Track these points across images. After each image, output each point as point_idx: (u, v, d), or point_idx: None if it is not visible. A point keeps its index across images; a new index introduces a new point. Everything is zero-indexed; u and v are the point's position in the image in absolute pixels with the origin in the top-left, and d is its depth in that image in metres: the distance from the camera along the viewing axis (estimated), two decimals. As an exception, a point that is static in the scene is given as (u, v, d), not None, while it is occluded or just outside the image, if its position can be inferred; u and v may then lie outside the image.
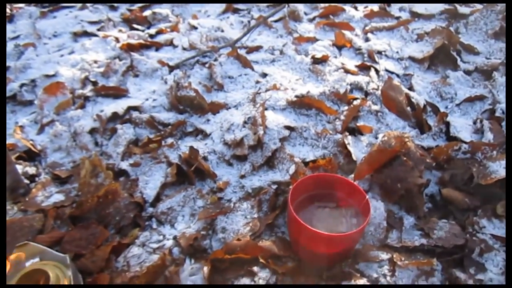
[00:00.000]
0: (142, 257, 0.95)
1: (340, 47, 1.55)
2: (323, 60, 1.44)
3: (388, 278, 0.91)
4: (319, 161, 1.08)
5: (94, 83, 1.39)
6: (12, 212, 1.06)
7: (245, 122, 1.16)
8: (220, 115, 1.23)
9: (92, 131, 1.23)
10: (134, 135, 1.19)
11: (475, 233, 0.98)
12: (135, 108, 1.27)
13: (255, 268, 0.93)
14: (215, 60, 1.45)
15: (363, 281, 0.90)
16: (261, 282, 0.91)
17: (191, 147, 1.08)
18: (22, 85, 1.41)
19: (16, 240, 0.99)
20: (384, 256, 0.94)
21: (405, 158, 1.05)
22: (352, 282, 0.90)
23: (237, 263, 0.95)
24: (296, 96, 1.25)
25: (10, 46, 1.60)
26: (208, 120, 1.23)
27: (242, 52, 1.49)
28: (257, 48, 1.53)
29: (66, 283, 0.90)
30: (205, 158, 1.12)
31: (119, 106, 1.25)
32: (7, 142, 1.20)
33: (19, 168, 1.13)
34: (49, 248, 0.94)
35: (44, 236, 0.98)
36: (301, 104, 1.24)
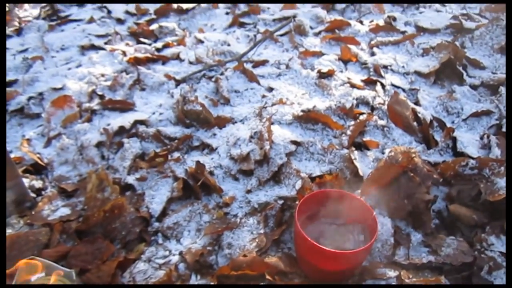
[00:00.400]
0: (148, 273, 0.94)
1: (346, 62, 1.56)
2: (329, 75, 1.44)
3: (395, 296, 0.90)
4: (325, 177, 1.08)
5: (101, 97, 1.40)
6: (18, 226, 1.06)
7: (251, 137, 1.17)
8: (227, 129, 1.23)
9: (99, 145, 1.23)
10: (141, 149, 1.20)
11: (484, 250, 0.97)
12: (142, 122, 1.27)
13: (262, 285, 0.92)
14: (222, 74, 1.45)
15: (370, 299, 0.89)
16: (268, 299, 0.90)
17: (198, 162, 1.08)
18: (29, 98, 1.42)
19: (22, 255, 0.99)
20: (392, 273, 0.93)
21: (412, 174, 1.04)
22: (359, 300, 0.89)
23: (243, 279, 0.94)
24: (302, 111, 1.25)
25: (18, 59, 1.62)
26: (215, 134, 1.23)
27: (248, 66, 1.50)
28: (263, 62, 1.53)
29: (71, 298, 0.89)
30: (211, 173, 1.12)
31: (125, 120, 1.26)
32: (13, 156, 1.21)
33: (26, 181, 1.13)
34: (55, 263, 0.94)
35: (50, 251, 0.98)
36: (307, 118, 1.24)
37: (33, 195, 1.13)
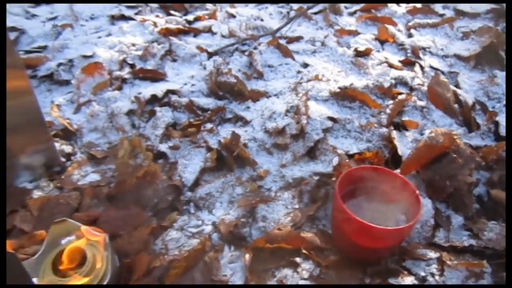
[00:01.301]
0: (180, 241, 0.92)
1: (382, 42, 1.51)
2: (365, 54, 1.40)
3: (436, 277, 0.87)
4: (365, 154, 1.04)
5: (132, 66, 1.38)
6: (48, 189, 1.05)
7: (287, 111, 1.13)
8: (261, 103, 1.20)
9: (129, 113, 1.21)
10: (173, 119, 1.17)
11: (528, 237, 0.93)
12: (174, 92, 1.24)
13: (298, 259, 0.90)
14: (255, 48, 1.42)
15: (410, 279, 0.86)
16: (304, 273, 0.87)
17: (234, 132, 1.05)
18: (59, 65, 1.40)
19: (53, 217, 0.97)
20: (432, 254, 0.90)
21: (455, 155, 1.00)
22: (399, 279, 0.86)
23: (278, 253, 0.91)
24: (339, 88, 1.21)
25: (48, 26, 1.60)
26: (248, 107, 1.20)
27: (282, 42, 1.46)
28: (298, 39, 1.49)
29: (102, 263, 0.87)
30: (245, 145, 1.09)
31: (157, 89, 1.23)
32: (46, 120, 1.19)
33: (56, 146, 1.12)
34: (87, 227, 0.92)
35: (80, 214, 0.96)
36: (344, 96, 1.20)
37: (62, 159, 1.11)
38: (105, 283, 0.83)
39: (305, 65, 1.35)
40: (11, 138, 1.00)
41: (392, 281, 0.86)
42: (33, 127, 1.00)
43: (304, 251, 0.91)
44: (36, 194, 1.02)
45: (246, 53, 1.39)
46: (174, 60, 1.40)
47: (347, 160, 1.05)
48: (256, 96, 1.22)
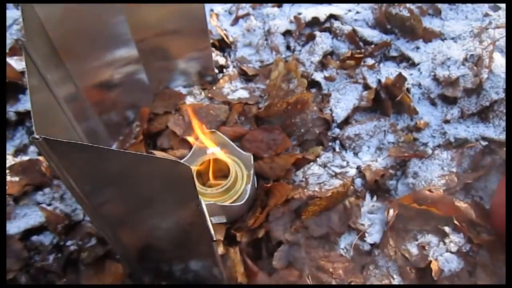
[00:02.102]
0: (322, 178, 0.88)
1: None
2: None
3: None
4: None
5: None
6: (200, 97, 1.07)
7: (465, 60, 0.97)
8: (434, 45, 1.05)
9: (286, 33, 1.15)
10: (331, 47, 1.08)
11: None
12: (336, 18, 1.14)
13: (447, 229, 0.81)
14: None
15: None
16: (452, 246, 0.79)
17: (400, 74, 0.93)
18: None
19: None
20: None
21: None
22: None
23: (424, 216, 0.83)
24: (536, 42, 1.00)
25: None
26: (418, 47, 1.05)
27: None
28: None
29: (243, 181, 0.88)
30: (407, 90, 0.98)
31: (320, 11, 1.14)
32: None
33: (211, 55, 1.12)
34: (232, 143, 0.92)
35: (227, 129, 0.96)
36: (541, 52, 0.99)
37: (215, 70, 1.11)
38: (243, 201, 0.84)
39: (496, 8, 1.13)
40: (173, 41, 1.01)
41: None
42: (195, 33, 0.99)
43: (455, 221, 0.81)
44: (189, 100, 1.05)
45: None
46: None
47: (529, 131, 0.88)
48: (429, 36, 1.06)
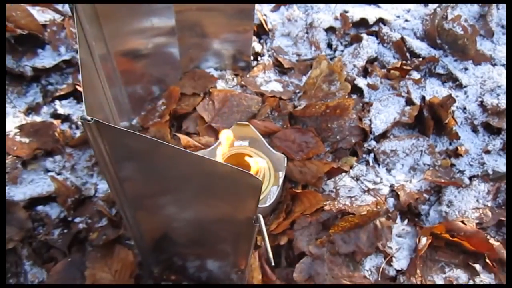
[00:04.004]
0: (353, 192, 0.83)
1: None
2: None
3: None
4: None
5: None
6: (232, 84, 1.00)
7: (517, 90, 0.93)
8: (483, 68, 1.00)
9: (330, 30, 1.09)
10: (376, 53, 1.03)
11: None
12: (384, 23, 1.08)
13: (477, 266, 0.77)
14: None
15: None
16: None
17: (450, 96, 0.88)
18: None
19: (232, 115, 0.93)
20: None
21: None
22: None
23: (455, 249, 0.79)
24: None
25: None
26: (466, 69, 1.00)
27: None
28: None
29: (271, 181, 0.83)
30: (451, 113, 0.93)
31: (368, 13, 1.08)
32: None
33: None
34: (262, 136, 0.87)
35: (259, 123, 0.91)
36: None
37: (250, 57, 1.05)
38: (268, 203, 0.79)
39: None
40: (214, 18, 0.95)
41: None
42: (240, 13, 0.93)
43: (487, 259, 0.77)
44: (220, 85, 0.98)
45: (480, 3, 1.15)
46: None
47: None
48: (479, 59, 1.01)
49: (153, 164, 0.48)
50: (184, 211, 0.57)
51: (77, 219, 0.78)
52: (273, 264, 0.44)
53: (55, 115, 0.94)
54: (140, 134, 0.42)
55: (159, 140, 0.42)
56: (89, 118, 0.40)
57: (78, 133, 0.91)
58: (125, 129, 0.42)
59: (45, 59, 1.00)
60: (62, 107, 0.95)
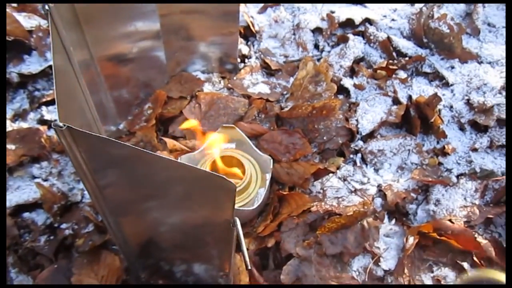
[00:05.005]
0: (341, 192, 0.83)
1: None
2: None
3: None
4: None
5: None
6: (218, 86, 1.00)
7: (502, 88, 0.93)
8: (470, 67, 1.00)
9: (316, 30, 1.09)
10: (363, 53, 1.03)
11: None
12: (371, 22, 1.08)
13: (465, 265, 0.77)
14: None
15: None
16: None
17: (436, 94, 0.89)
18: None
19: (218, 118, 0.93)
20: None
21: None
22: None
23: (444, 248, 0.79)
24: None
25: None
26: (453, 67, 1.01)
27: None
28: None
29: (258, 183, 0.82)
30: (437, 111, 0.93)
31: (354, 13, 1.08)
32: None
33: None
34: (250, 140, 0.87)
35: (245, 125, 0.91)
36: None
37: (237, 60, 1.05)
38: (255, 206, 0.79)
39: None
40: (199, 21, 0.95)
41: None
42: (225, 16, 0.93)
43: (475, 258, 0.77)
44: (207, 88, 0.98)
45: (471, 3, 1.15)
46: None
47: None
48: (466, 57, 1.01)
49: (132, 170, 0.47)
50: (167, 217, 0.57)
51: (64, 225, 0.78)
52: (249, 268, 0.44)
53: (42, 121, 0.94)
54: (116, 140, 0.41)
55: (136, 147, 0.42)
56: (61, 124, 0.40)
57: (64, 139, 0.91)
58: (101, 135, 0.41)
59: (32, 65, 1.00)
60: (48, 113, 0.95)
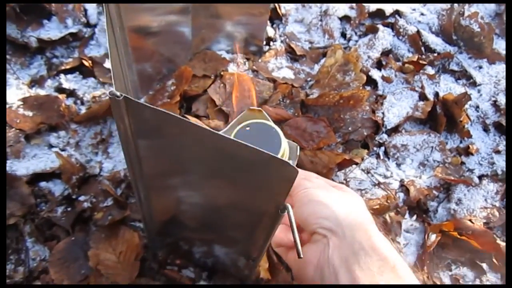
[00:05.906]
0: (364, 185, 0.82)
1: None
2: None
3: None
4: None
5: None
6: (243, 68, 0.98)
7: (530, 92, 0.92)
8: (498, 68, 0.99)
9: (344, 18, 1.07)
10: (391, 45, 1.01)
11: None
12: (401, 15, 1.06)
13: (485, 266, 0.77)
14: None
15: None
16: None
17: (465, 93, 0.87)
18: None
19: (243, 100, 0.91)
20: None
21: None
22: None
23: (461, 246, 0.79)
24: None
25: None
26: (481, 67, 0.99)
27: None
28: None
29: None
30: (465, 110, 0.92)
31: (384, 3, 1.06)
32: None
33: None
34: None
35: (270, 109, 0.89)
36: None
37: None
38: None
39: None
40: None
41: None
42: (255, -5, 0.90)
43: (494, 259, 0.77)
44: (232, 68, 0.96)
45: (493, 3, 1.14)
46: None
47: None
48: (494, 58, 1.00)
49: (175, 143, 0.46)
50: (203, 195, 0.55)
51: (82, 198, 0.76)
52: (301, 256, 0.43)
53: (60, 89, 0.91)
54: (174, 114, 0.39)
55: (187, 119, 0.40)
56: (118, 93, 0.38)
57: (83, 109, 0.88)
58: (158, 108, 0.39)
59: (51, 30, 0.96)
60: (67, 82, 0.92)
